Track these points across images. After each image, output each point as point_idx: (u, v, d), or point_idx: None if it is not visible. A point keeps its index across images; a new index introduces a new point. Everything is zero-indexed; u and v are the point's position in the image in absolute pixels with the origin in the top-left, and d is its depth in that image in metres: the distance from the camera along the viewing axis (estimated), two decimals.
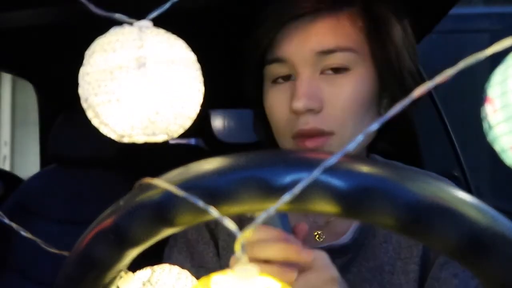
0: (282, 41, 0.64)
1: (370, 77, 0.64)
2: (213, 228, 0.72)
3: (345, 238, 0.68)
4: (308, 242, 0.69)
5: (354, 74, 0.62)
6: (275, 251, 0.48)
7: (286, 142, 0.65)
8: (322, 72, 0.62)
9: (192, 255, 0.71)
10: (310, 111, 0.61)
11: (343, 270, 0.52)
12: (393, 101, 0.67)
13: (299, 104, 0.60)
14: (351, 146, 0.23)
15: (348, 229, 0.69)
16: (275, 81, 0.65)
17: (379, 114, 0.66)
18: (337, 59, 0.62)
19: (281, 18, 0.64)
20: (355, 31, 0.63)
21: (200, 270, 0.70)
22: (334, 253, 0.64)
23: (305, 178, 0.23)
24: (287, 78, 0.64)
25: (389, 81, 0.65)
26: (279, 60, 0.64)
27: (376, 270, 0.67)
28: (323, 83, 0.62)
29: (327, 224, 0.70)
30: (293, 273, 0.49)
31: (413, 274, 0.66)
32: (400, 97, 0.67)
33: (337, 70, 0.62)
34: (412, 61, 0.67)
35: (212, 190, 0.25)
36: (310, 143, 0.62)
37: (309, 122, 0.61)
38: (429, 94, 1.47)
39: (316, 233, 0.70)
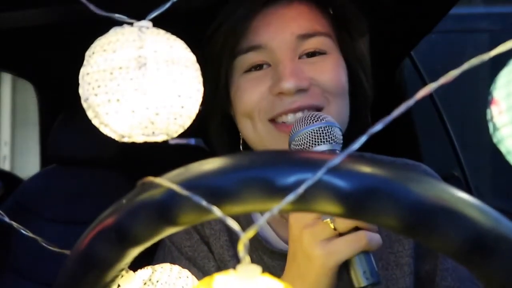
0: (258, 28, 0.64)
1: (343, 63, 0.66)
2: (207, 242, 0.71)
3: None
4: None
5: (331, 57, 0.65)
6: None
7: (261, 127, 0.64)
8: (300, 57, 0.64)
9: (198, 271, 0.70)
10: (298, 91, 0.61)
11: (338, 269, 0.52)
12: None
13: (289, 84, 0.60)
14: (355, 147, 0.23)
15: None
16: (247, 71, 0.65)
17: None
18: (315, 43, 0.64)
19: (256, 3, 0.64)
20: (327, 19, 0.66)
21: None
22: None
23: (309, 179, 0.23)
24: (259, 67, 0.65)
25: (358, 73, 0.68)
26: (256, 48, 0.64)
27: None
28: (304, 65, 0.63)
29: None
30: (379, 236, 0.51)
31: (407, 267, 0.66)
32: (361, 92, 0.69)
33: (314, 54, 0.64)
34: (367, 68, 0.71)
35: (215, 189, 0.25)
36: (293, 118, 0.61)
37: (296, 101, 0.61)
38: (429, 95, 1.47)
39: None
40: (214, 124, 0.74)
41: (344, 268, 0.52)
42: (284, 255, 0.67)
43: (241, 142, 0.72)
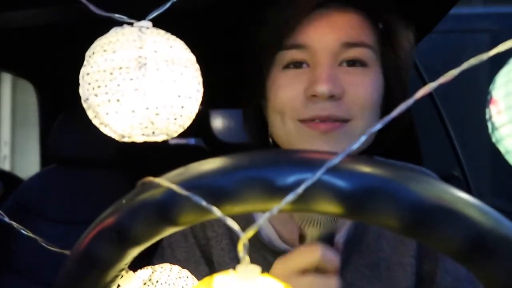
0: (305, 28, 0.64)
1: (381, 78, 0.66)
2: (204, 244, 0.71)
3: (340, 237, 0.68)
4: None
5: (370, 71, 0.64)
6: (309, 261, 0.51)
7: (290, 125, 0.64)
8: (340, 64, 0.64)
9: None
10: (331, 97, 0.61)
11: (340, 268, 0.52)
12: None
13: (323, 88, 0.60)
14: (355, 146, 0.23)
15: (342, 228, 0.69)
16: (286, 66, 0.65)
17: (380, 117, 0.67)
18: (358, 53, 0.63)
19: (309, 3, 0.64)
20: (374, 32, 0.66)
21: None
22: None
23: (309, 178, 0.23)
24: (299, 65, 0.64)
25: (394, 87, 0.67)
26: (300, 46, 0.64)
27: (373, 266, 0.67)
28: (341, 73, 0.63)
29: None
30: (335, 278, 0.52)
31: (410, 267, 0.67)
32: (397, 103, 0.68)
33: (355, 63, 0.64)
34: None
35: (215, 189, 0.25)
36: (324, 126, 0.61)
37: (327, 108, 0.61)
38: (429, 94, 1.47)
39: None
40: (248, 114, 0.74)
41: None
42: (285, 253, 0.68)
43: (269, 133, 0.71)
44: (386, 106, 0.67)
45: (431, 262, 0.67)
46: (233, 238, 0.71)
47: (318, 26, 0.64)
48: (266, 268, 0.68)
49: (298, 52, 0.64)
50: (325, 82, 0.60)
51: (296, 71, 0.64)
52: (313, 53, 0.63)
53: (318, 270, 0.51)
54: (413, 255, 0.67)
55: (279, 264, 0.52)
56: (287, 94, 0.64)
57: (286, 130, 0.65)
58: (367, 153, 0.74)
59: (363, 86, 0.63)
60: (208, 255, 0.72)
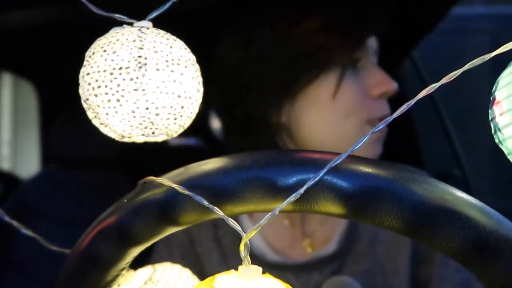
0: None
1: None
2: (193, 263, 0.70)
3: (332, 245, 0.67)
4: (298, 253, 0.68)
5: None
6: None
7: (356, 127, 0.62)
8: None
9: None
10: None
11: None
12: None
13: (395, 86, 0.62)
14: (357, 147, 0.23)
15: (333, 235, 0.68)
16: (344, 67, 0.62)
17: None
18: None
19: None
20: None
21: None
22: (323, 262, 0.64)
23: (311, 179, 0.23)
24: (356, 63, 0.63)
25: None
26: (364, 46, 0.64)
27: (367, 273, 0.67)
28: None
29: (314, 231, 0.69)
30: None
31: (404, 274, 0.66)
32: None
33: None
34: None
35: (217, 189, 0.25)
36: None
37: (386, 107, 0.64)
38: (429, 94, 1.47)
39: (306, 243, 0.68)
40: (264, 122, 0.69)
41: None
42: (278, 266, 0.67)
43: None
44: None
45: (426, 269, 0.66)
46: (224, 251, 0.69)
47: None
48: None
49: (359, 51, 0.63)
50: (393, 81, 0.62)
51: (353, 71, 0.63)
52: (367, 52, 0.64)
53: None
54: (407, 261, 0.66)
55: None
56: (358, 95, 0.62)
57: (347, 132, 0.62)
58: None
59: None
60: (199, 269, 0.70)
